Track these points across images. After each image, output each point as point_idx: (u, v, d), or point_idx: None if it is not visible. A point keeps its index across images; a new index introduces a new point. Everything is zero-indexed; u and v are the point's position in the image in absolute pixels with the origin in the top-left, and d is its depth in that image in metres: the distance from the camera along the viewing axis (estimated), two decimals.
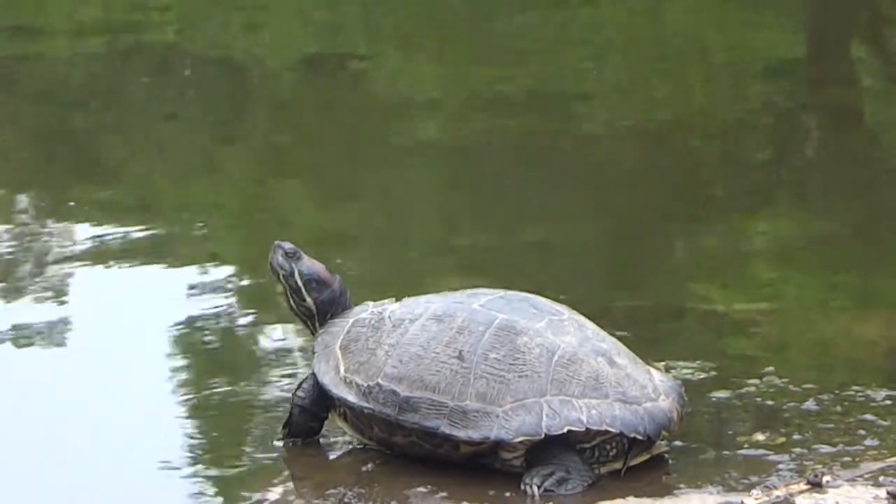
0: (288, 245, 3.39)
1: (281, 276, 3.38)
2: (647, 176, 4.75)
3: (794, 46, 5.76)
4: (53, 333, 4.06)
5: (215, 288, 4.30)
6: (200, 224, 4.85)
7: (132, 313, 4.08)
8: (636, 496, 2.80)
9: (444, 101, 5.31)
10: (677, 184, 4.57)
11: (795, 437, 3.01)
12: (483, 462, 2.96)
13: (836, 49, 5.70)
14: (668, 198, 4.62)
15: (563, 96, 5.21)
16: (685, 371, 3.40)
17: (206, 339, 4.06)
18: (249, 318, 4.16)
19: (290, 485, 3.08)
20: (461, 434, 2.90)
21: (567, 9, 6.13)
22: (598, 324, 2.99)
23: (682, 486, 2.85)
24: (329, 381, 3.22)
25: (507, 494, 2.82)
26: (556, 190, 4.82)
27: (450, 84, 5.53)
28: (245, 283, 4.41)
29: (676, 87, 5.22)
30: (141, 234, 4.66)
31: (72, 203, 4.93)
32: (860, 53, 5.82)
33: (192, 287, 4.27)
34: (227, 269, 4.46)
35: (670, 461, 2.98)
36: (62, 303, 4.21)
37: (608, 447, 2.91)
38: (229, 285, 4.36)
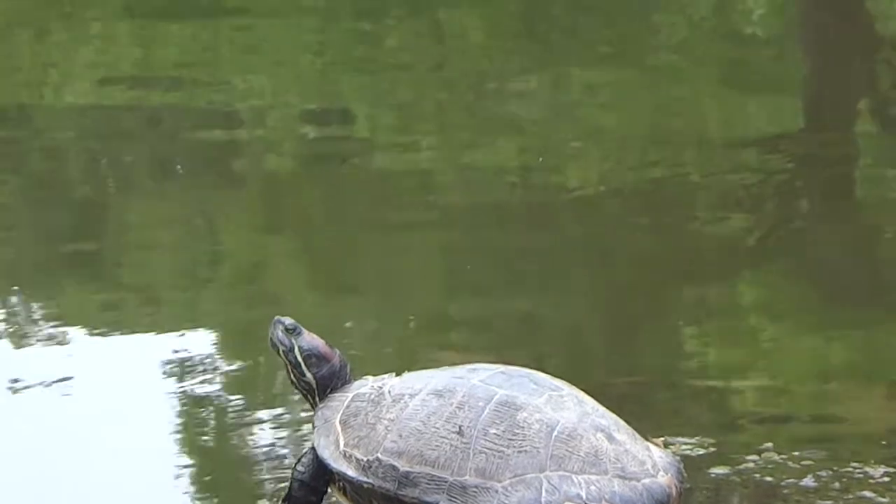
0: (288, 320, 3.37)
1: (281, 352, 3.35)
2: (640, 247, 4.75)
3: (793, 120, 5.80)
4: (29, 415, 3.90)
5: (209, 363, 4.23)
6: (194, 298, 4.77)
7: (117, 390, 4.01)
8: None
9: (439, 175, 5.29)
10: (672, 255, 4.58)
11: None
12: None
13: (834, 122, 5.72)
14: (662, 269, 4.61)
15: (556, 169, 5.23)
16: (684, 446, 3.38)
17: (200, 417, 4.00)
18: (244, 394, 4.10)
19: None
20: None
21: (564, 77, 6.14)
22: (596, 399, 2.96)
23: None
24: (328, 455, 3.19)
25: None
26: (550, 262, 4.81)
27: (444, 156, 5.49)
28: (241, 356, 4.28)
29: (671, 161, 5.24)
30: (131, 308, 4.62)
31: (62, 273, 4.88)
32: (861, 125, 5.84)
33: (185, 362, 4.20)
34: (222, 344, 4.38)
35: None
36: (43, 379, 4.06)
37: None
38: (224, 360, 4.28)
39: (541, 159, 5.32)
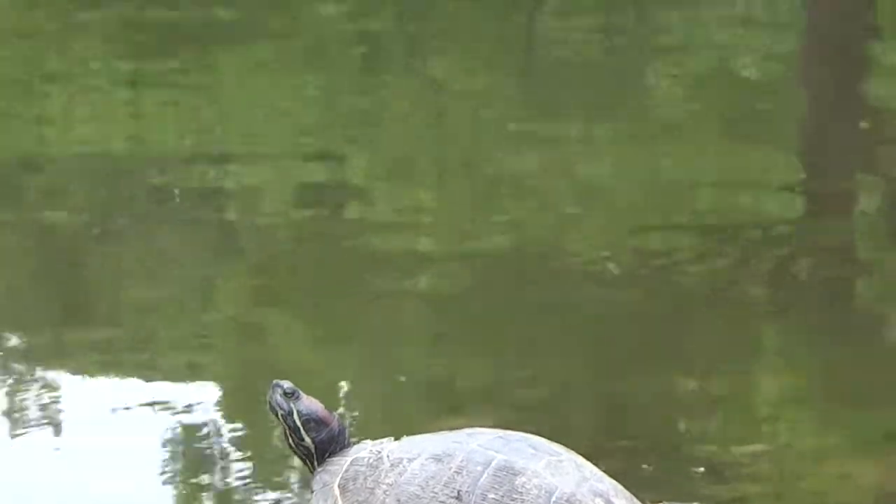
0: (287, 384, 3.34)
1: (279, 416, 3.33)
2: (638, 315, 4.74)
3: (793, 173, 5.82)
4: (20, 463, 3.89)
5: (207, 426, 4.20)
6: (191, 360, 4.71)
7: (112, 453, 3.92)
8: None
9: (436, 235, 5.30)
10: (668, 322, 4.59)
11: None
12: None
13: (835, 181, 5.73)
14: (659, 335, 4.59)
15: (554, 230, 5.24)
16: None
17: (197, 479, 3.94)
18: (242, 457, 4.05)
19: None
20: None
21: (563, 148, 6.09)
22: (595, 464, 2.92)
23: None
24: None
25: None
26: (548, 325, 4.76)
27: (442, 226, 5.47)
28: (238, 418, 4.26)
29: (667, 230, 5.23)
30: (125, 366, 4.57)
31: (60, 331, 4.82)
32: (861, 178, 5.89)
33: (182, 424, 4.17)
34: (220, 406, 4.35)
35: None
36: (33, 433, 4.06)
37: None
38: (222, 422, 4.25)
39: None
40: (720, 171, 5.78)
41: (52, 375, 4.54)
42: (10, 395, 4.35)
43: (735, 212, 5.42)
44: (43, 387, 4.45)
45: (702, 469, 3.68)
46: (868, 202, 5.72)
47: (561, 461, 3.10)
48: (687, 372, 4.42)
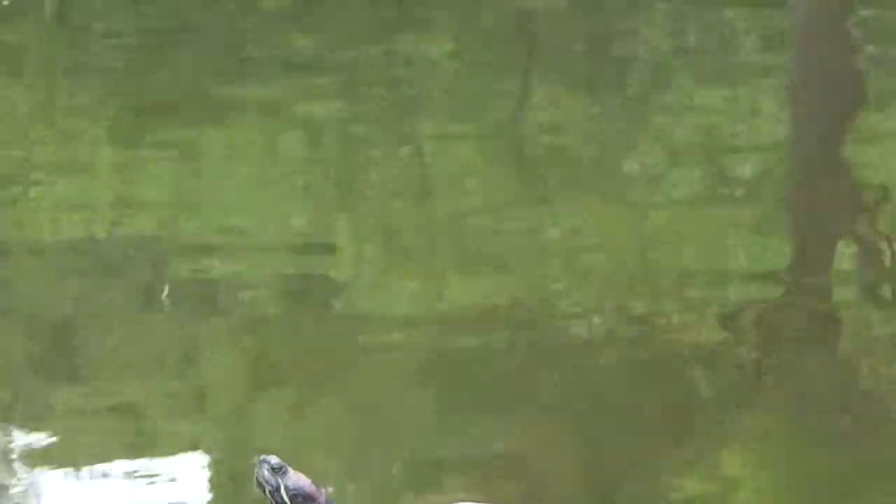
0: (274, 459, 3.34)
1: (267, 491, 3.31)
2: (625, 391, 4.71)
3: (777, 258, 5.73)
4: None
5: (195, 499, 4.15)
6: (179, 431, 4.67)
7: None
8: None
9: (423, 315, 5.21)
10: (657, 399, 4.54)
11: None
12: None
13: (820, 255, 5.70)
14: (647, 413, 4.55)
15: (539, 309, 5.17)
16: None
17: None
18: None
19: None
20: None
21: (548, 212, 6.05)
22: None
23: None
24: None
25: None
26: (534, 404, 4.70)
27: (427, 296, 5.43)
28: (225, 495, 4.21)
29: (653, 304, 5.20)
30: (112, 440, 4.50)
31: (49, 407, 4.74)
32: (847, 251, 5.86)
33: (169, 499, 4.08)
34: (207, 482, 4.28)
35: None
36: None
37: None
38: (207, 498, 4.18)
39: None
40: (704, 249, 5.76)
41: (36, 440, 4.48)
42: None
43: (719, 284, 5.40)
44: (29, 452, 4.39)
45: None
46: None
47: None
48: (673, 453, 4.33)
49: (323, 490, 3.33)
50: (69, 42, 8.87)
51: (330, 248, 5.95)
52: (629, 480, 4.29)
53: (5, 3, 8.25)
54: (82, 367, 5.21)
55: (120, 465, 4.30)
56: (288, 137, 6.74)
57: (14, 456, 4.42)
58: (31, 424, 4.59)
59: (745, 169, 6.26)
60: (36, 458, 4.35)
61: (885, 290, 5.56)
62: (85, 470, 4.34)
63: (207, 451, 4.56)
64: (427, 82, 7.37)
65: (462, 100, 7.27)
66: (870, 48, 7.46)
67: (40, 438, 4.51)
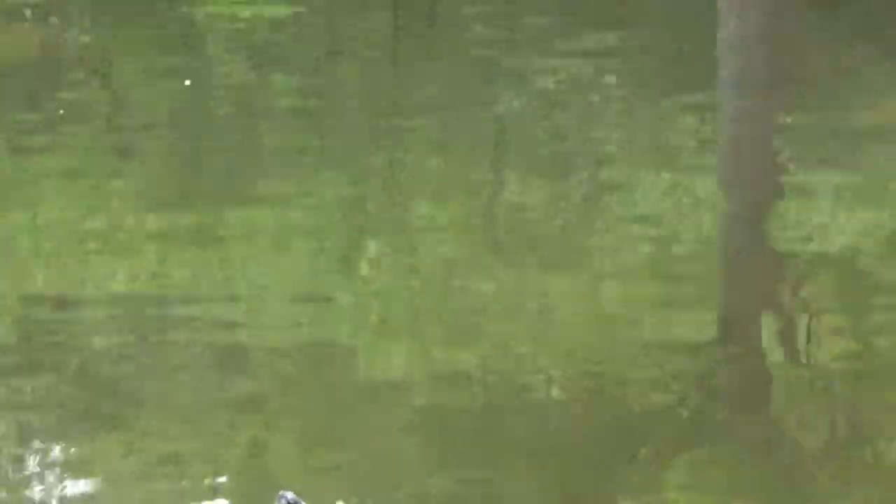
0: (290, 495, 3.40)
1: None
2: (577, 440, 4.71)
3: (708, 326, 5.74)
4: None
5: None
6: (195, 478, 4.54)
7: None
8: None
9: (412, 377, 5.14)
10: (603, 448, 4.56)
11: None
12: None
13: (746, 329, 5.68)
14: (594, 459, 4.57)
15: (515, 371, 5.12)
16: None
17: None
18: None
19: None
20: None
21: (521, 283, 5.95)
22: None
23: None
24: None
25: None
26: (501, 445, 4.63)
27: (417, 362, 5.31)
28: None
29: (613, 368, 5.16)
30: (153, 483, 4.36)
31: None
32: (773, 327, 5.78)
33: None
34: None
35: None
36: None
37: None
38: None
39: None
40: (654, 320, 5.70)
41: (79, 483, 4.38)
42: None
43: (668, 352, 5.31)
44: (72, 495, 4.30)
45: None
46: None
47: None
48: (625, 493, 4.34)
49: None
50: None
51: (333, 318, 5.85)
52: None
53: (61, 112, 8.06)
54: (129, 417, 5.10)
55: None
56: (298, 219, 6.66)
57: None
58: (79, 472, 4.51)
59: (683, 248, 6.27)
60: None
61: (805, 355, 5.46)
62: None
63: (230, 488, 4.48)
64: (417, 174, 7.34)
65: (445, 186, 7.25)
66: (789, 149, 7.42)
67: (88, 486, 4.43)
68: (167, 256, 6.29)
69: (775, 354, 5.56)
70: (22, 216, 6.50)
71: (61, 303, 5.84)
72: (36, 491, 4.36)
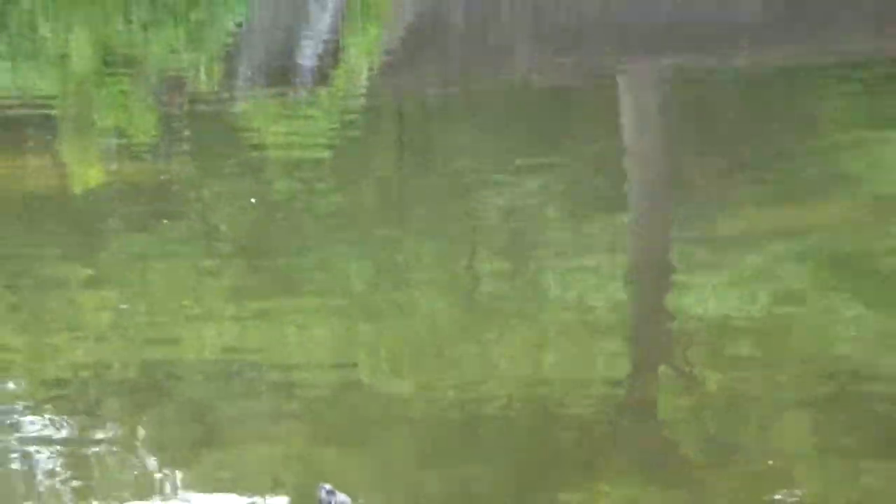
0: (328, 486, 3.45)
1: None
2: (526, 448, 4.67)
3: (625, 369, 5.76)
4: None
5: None
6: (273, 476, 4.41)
7: None
8: None
9: (417, 415, 5.01)
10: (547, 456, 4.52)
11: None
12: None
13: (651, 373, 5.70)
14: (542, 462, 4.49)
15: (484, 399, 5.06)
16: None
17: None
18: None
19: None
20: None
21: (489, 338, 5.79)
22: None
23: None
24: None
25: None
26: (470, 454, 4.55)
27: (420, 400, 5.18)
28: None
29: (558, 394, 5.13)
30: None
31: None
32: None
33: None
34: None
35: None
36: None
37: None
38: None
39: None
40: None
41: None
42: None
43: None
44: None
45: None
46: None
47: None
48: None
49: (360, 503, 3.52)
50: None
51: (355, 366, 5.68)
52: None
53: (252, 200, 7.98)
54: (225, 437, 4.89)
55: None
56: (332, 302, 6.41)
57: None
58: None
59: (605, 313, 6.26)
60: None
61: (688, 395, 5.31)
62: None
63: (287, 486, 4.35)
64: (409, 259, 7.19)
65: (429, 261, 7.17)
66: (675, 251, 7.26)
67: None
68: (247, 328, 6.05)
69: (668, 388, 5.49)
70: (135, 298, 6.25)
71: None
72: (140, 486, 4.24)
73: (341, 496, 3.51)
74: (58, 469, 4.40)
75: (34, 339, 5.64)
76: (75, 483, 4.31)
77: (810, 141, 9.05)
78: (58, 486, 4.30)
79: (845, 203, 7.57)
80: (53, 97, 10.89)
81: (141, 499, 4.16)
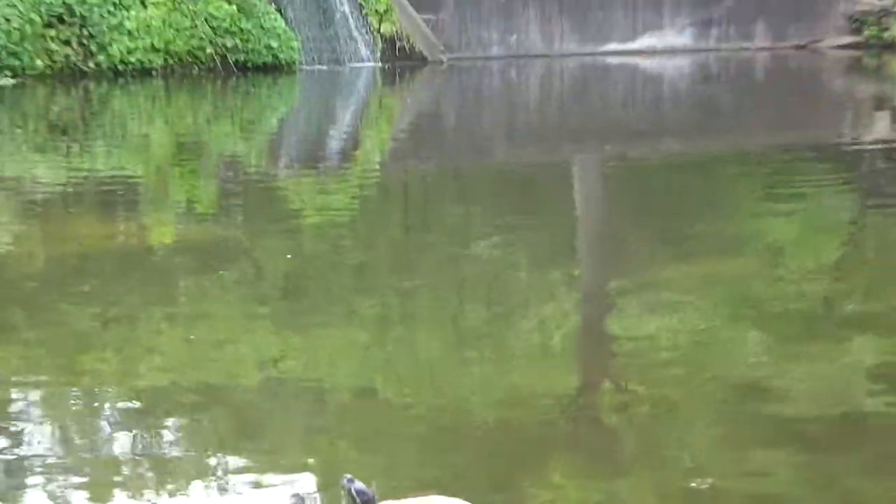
0: (348, 475, 3.31)
1: (343, 493, 3.26)
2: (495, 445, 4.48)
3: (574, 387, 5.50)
4: None
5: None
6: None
7: None
8: None
9: (417, 418, 4.83)
10: None
11: None
12: None
13: (598, 392, 5.39)
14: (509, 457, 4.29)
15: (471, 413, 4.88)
16: None
17: None
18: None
19: None
20: None
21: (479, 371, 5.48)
22: None
23: None
24: None
25: None
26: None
27: (420, 406, 4.99)
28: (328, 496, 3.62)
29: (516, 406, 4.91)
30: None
31: None
32: None
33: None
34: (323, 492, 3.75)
35: None
36: None
37: None
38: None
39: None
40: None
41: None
42: None
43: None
44: None
45: None
46: None
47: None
48: None
49: (373, 487, 3.30)
50: None
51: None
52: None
53: (289, 256, 7.68)
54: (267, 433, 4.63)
55: None
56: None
57: None
58: None
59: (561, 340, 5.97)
60: None
61: (622, 401, 5.13)
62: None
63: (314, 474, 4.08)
64: (412, 300, 6.92)
65: (427, 301, 6.85)
66: (619, 279, 7.39)
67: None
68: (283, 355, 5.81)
69: (608, 396, 5.22)
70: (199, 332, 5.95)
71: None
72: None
73: (358, 483, 3.40)
74: (135, 469, 4.20)
75: (122, 365, 5.41)
76: (150, 479, 4.12)
77: (720, 211, 9.16)
78: (130, 485, 4.02)
79: (747, 257, 7.67)
80: (139, 176, 11.16)
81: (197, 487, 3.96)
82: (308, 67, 14.06)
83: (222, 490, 3.91)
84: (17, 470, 4.01)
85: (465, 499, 3.26)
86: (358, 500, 3.27)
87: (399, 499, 3.28)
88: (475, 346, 5.92)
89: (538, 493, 3.78)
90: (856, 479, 3.88)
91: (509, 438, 4.51)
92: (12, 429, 4.41)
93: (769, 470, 3.96)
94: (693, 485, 3.81)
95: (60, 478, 4.00)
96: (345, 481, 3.32)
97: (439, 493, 3.27)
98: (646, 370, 5.38)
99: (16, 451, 4.20)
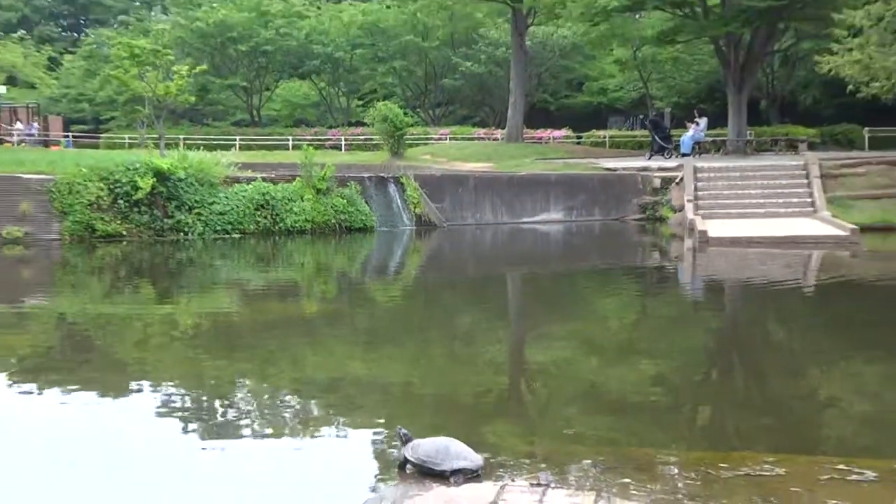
0: (402, 429, 3.19)
1: (401, 437, 3.19)
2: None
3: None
4: None
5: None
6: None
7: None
8: None
9: (429, 401, 4.56)
10: None
11: None
12: None
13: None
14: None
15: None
16: None
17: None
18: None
19: None
20: None
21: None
22: None
23: None
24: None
25: None
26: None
27: (430, 396, 4.77)
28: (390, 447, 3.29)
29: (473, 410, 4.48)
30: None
31: None
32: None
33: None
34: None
35: None
36: None
37: None
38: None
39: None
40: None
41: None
42: None
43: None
44: None
45: None
46: None
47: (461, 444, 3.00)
48: None
49: (410, 431, 3.23)
50: None
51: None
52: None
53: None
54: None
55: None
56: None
57: None
58: None
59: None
60: None
61: (536, 390, 4.99)
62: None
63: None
64: (427, 338, 6.51)
65: (436, 335, 6.54)
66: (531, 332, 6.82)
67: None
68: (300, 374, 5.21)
69: (528, 389, 5.03)
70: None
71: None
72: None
73: (403, 429, 3.43)
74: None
75: (289, 369, 5.47)
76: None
77: (586, 297, 8.84)
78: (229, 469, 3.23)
79: (596, 323, 7.30)
80: (298, 281, 9.90)
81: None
82: (380, 229, 13.95)
83: (352, 426, 3.96)
84: (237, 428, 3.88)
85: (454, 437, 3.21)
86: (402, 438, 3.31)
87: (423, 438, 3.24)
88: (463, 364, 5.69)
89: (487, 436, 3.73)
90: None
91: (469, 409, 4.45)
92: (241, 404, 4.42)
93: (601, 426, 4.04)
94: (566, 432, 3.98)
95: (270, 433, 3.80)
96: (398, 429, 3.46)
97: (445, 435, 3.23)
98: (543, 375, 5.41)
99: (237, 418, 4.13)
